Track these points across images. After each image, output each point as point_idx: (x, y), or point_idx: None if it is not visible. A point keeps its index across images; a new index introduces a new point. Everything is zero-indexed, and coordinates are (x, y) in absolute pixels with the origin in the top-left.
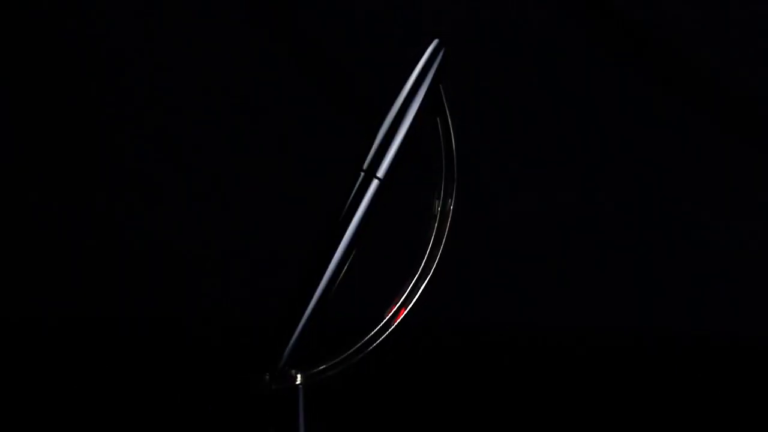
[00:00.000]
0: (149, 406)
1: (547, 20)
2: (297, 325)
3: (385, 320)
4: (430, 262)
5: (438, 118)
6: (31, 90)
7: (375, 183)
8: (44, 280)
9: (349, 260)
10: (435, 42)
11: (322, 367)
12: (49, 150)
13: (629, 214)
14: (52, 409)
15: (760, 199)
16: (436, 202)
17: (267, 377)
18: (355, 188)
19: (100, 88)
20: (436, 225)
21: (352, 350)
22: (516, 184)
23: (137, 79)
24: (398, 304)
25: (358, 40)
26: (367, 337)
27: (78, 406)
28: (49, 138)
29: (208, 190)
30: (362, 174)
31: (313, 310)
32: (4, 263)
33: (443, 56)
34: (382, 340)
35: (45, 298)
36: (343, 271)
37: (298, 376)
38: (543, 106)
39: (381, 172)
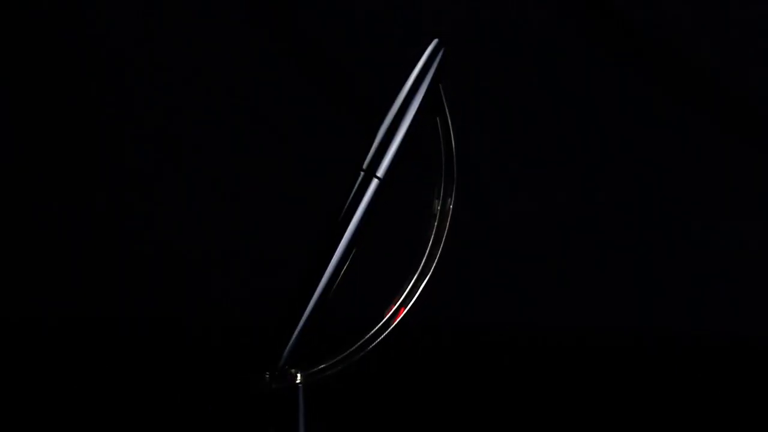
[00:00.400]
0: (149, 406)
1: (547, 20)
2: (297, 324)
3: (384, 319)
4: (430, 262)
5: (438, 118)
6: (31, 90)
7: (375, 182)
8: (44, 280)
9: (349, 260)
10: (435, 42)
11: (321, 366)
12: (49, 150)
13: (629, 214)
14: (52, 409)
15: (760, 199)
16: (436, 201)
17: (267, 376)
18: (355, 188)
19: (100, 88)
20: (435, 224)
21: (351, 349)
22: (516, 184)
23: (137, 79)
24: (398, 304)
25: (358, 40)
26: (366, 337)
27: (78, 406)
28: (49, 138)
29: (208, 190)
30: (362, 173)
31: (313, 309)
32: (4, 263)
33: (443, 56)
34: (382, 339)
35: (45, 298)
36: (343, 270)
37: (298, 375)
38: (543, 106)
39: (381, 172)
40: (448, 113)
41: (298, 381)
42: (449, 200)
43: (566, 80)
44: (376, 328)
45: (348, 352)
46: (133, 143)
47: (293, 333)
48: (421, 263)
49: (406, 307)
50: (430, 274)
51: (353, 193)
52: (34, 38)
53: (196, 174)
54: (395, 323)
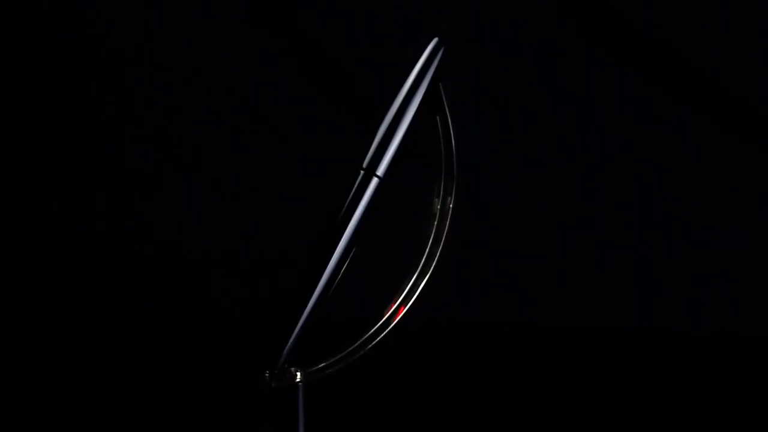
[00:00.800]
0: (149, 406)
1: (547, 20)
2: (296, 323)
3: (384, 318)
4: (430, 260)
5: (437, 117)
6: (31, 90)
7: (375, 181)
8: (44, 280)
9: (349, 258)
10: (434, 41)
11: (321, 365)
12: (49, 150)
13: (629, 214)
14: (52, 409)
15: (760, 199)
16: (436, 200)
17: (267, 375)
18: (355, 186)
19: (100, 88)
20: (435, 223)
21: (351, 348)
22: (516, 184)
23: (137, 79)
24: (398, 303)
25: (358, 40)
26: (366, 335)
27: (78, 406)
28: (49, 138)
29: (208, 190)
30: (362, 172)
31: (313, 308)
32: (4, 263)
33: (443, 55)
34: (382, 338)
35: (45, 298)
36: (343, 269)
37: (298, 374)
38: (543, 106)
39: (380, 171)
40: (448, 113)
41: (298, 380)
42: (449, 199)
43: (566, 80)
44: (376, 327)
45: (348, 351)
46: (133, 143)
47: (293, 332)
48: (420, 262)
49: (406, 307)
50: (430, 273)
51: (353, 192)
52: (34, 38)
53: (196, 174)
54: (395, 322)
